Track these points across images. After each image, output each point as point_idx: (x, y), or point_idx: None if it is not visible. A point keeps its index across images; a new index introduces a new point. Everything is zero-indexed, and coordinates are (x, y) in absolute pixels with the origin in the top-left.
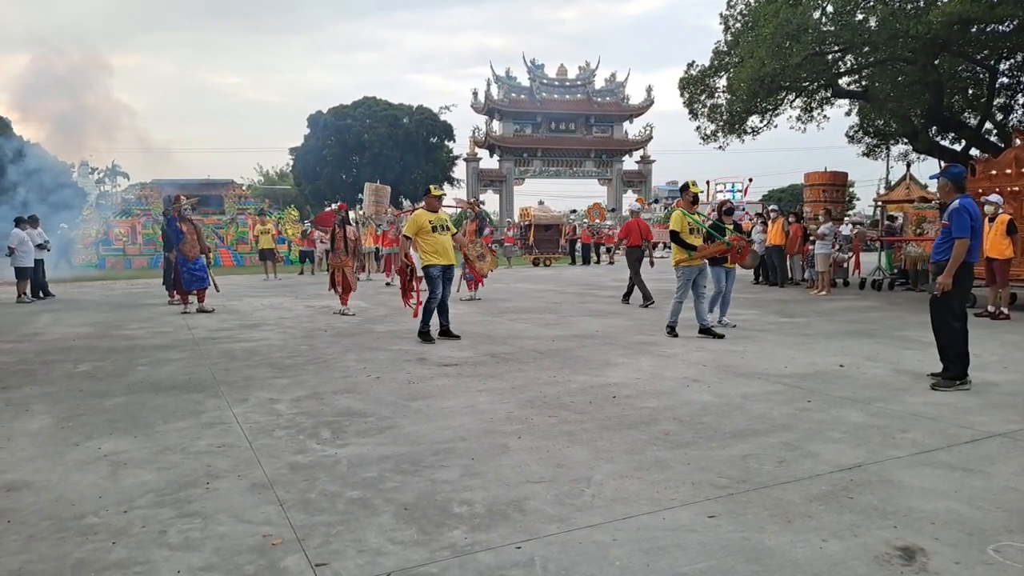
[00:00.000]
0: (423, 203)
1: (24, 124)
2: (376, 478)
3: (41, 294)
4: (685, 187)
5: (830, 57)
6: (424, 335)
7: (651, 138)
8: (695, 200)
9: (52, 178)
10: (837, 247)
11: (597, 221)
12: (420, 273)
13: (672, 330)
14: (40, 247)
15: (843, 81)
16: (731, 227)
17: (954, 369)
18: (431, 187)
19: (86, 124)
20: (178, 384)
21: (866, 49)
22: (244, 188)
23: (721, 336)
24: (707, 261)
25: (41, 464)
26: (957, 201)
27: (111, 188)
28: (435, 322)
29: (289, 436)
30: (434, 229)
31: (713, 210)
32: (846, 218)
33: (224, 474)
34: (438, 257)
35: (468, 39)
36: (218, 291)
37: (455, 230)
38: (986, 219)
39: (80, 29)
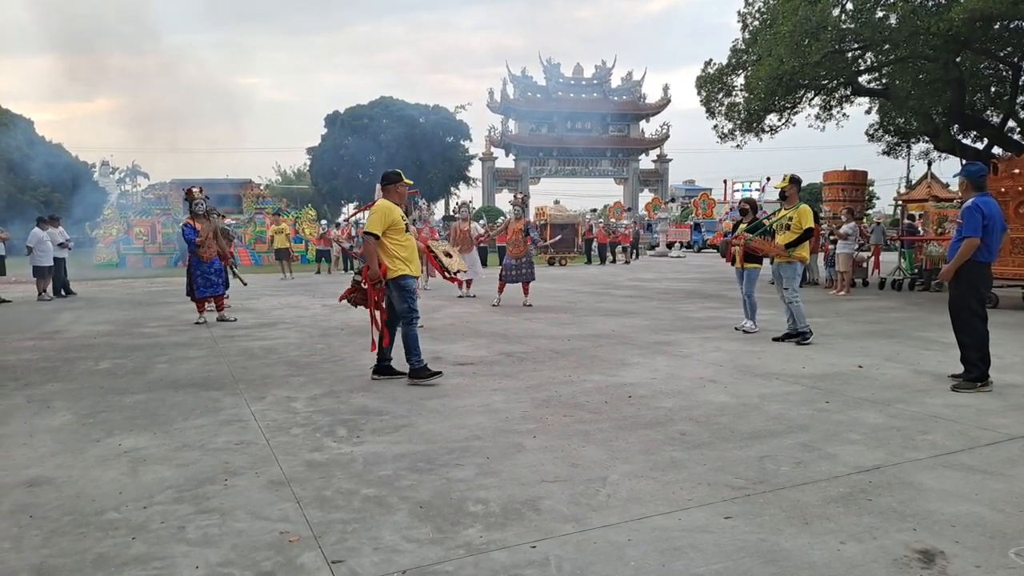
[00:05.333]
0: (386, 192)
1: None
2: (392, 476)
3: (63, 292)
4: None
5: (850, 55)
6: (424, 369)
7: (668, 137)
8: (781, 196)
9: (73, 178)
10: (858, 246)
11: (613, 220)
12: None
13: (804, 337)
14: (62, 246)
15: (863, 79)
16: (744, 225)
17: (976, 371)
18: (400, 171)
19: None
20: (197, 382)
21: (886, 47)
22: (262, 187)
23: (782, 340)
24: (769, 262)
25: (62, 460)
26: (972, 200)
27: (131, 188)
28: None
29: (306, 434)
30: (406, 227)
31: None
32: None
33: (242, 471)
34: (412, 265)
35: (485, 39)
36: (244, 284)
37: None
38: None
39: (102, 31)
